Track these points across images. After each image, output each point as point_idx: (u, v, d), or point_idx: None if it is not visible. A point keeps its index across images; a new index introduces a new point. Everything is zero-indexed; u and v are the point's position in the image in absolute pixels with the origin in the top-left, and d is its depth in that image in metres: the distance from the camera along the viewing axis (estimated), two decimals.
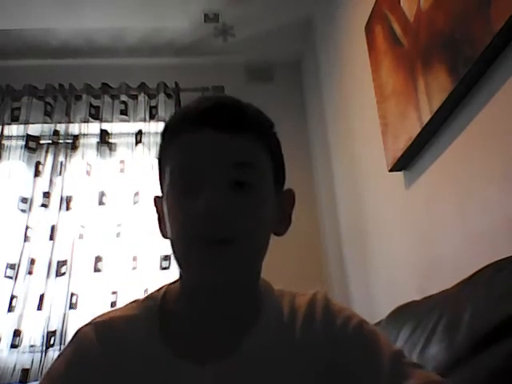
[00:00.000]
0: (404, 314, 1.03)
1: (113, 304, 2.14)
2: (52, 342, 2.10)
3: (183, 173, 0.59)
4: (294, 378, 0.59)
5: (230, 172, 0.58)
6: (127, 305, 0.66)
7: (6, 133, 2.48)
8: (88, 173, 2.44)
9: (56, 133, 2.49)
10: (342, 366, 0.59)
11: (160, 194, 0.65)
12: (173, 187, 0.60)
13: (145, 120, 2.53)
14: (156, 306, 0.64)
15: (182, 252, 0.59)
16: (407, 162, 1.46)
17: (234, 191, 0.58)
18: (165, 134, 0.64)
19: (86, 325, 0.63)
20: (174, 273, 2.14)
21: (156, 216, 0.66)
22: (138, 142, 2.50)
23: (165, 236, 0.64)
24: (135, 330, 0.61)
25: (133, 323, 0.62)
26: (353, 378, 0.58)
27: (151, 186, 2.32)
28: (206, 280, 0.58)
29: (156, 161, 0.66)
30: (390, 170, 1.52)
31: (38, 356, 2.08)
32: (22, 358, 2.08)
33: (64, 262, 2.24)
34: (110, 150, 2.51)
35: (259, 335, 0.60)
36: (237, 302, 0.62)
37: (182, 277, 0.64)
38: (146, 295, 0.67)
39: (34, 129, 2.48)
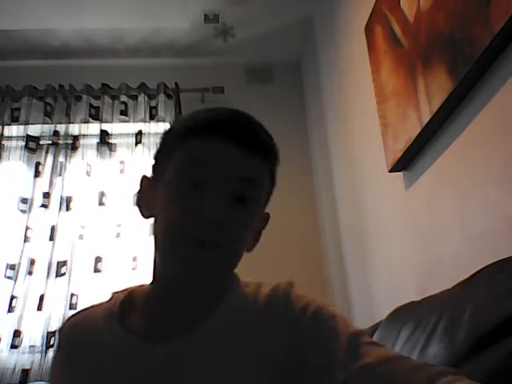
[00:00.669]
0: (404, 314, 1.03)
1: None
2: (52, 342, 2.10)
3: (195, 172, 0.61)
4: (249, 363, 0.60)
5: (234, 185, 0.61)
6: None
7: (5, 133, 2.48)
8: (88, 173, 2.44)
9: (56, 133, 2.49)
10: (300, 352, 0.59)
11: (151, 176, 0.67)
12: (175, 184, 0.62)
13: (145, 120, 2.54)
14: (121, 296, 0.68)
15: (171, 246, 0.61)
16: (407, 162, 1.46)
17: (234, 203, 0.61)
18: (177, 131, 0.66)
19: (62, 324, 0.71)
20: None
21: (137, 194, 0.68)
22: (137, 142, 2.50)
23: (144, 216, 0.66)
24: (98, 316, 0.67)
25: (99, 311, 0.68)
26: (311, 364, 0.59)
27: None
28: (188, 278, 0.61)
29: (160, 140, 0.68)
30: (390, 171, 1.52)
31: (37, 356, 2.08)
32: (21, 359, 2.08)
33: (64, 263, 2.25)
34: (110, 150, 2.51)
35: (217, 319, 0.62)
36: (203, 292, 0.65)
37: (155, 267, 0.66)
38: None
39: (33, 129, 2.49)
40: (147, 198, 0.66)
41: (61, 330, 0.71)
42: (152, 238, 0.65)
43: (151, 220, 0.66)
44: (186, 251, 0.59)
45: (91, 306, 0.71)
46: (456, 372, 0.54)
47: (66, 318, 0.72)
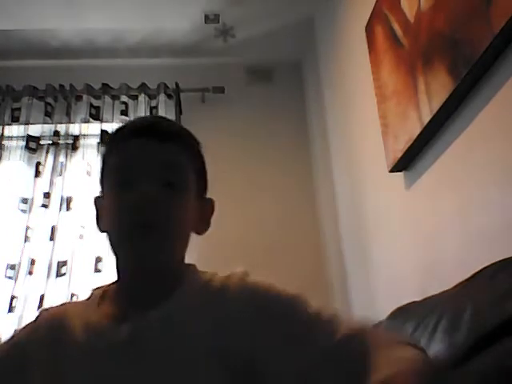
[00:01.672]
0: (404, 314, 1.03)
1: None
2: None
3: (122, 170, 0.71)
4: (202, 340, 0.65)
5: (160, 172, 0.69)
6: None
7: (6, 133, 2.47)
8: (88, 173, 2.43)
9: (56, 133, 2.48)
10: (263, 334, 0.64)
11: (99, 194, 0.77)
12: (112, 182, 0.72)
13: None
14: (100, 290, 0.76)
15: (117, 239, 0.71)
16: (407, 162, 1.46)
17: (163, 188, 0.68)
18: (107, 145, 0.77)
19: (46, 309, 0.78)
20: None
21: (95, 214, 0.77)
22: None
23: (101, 230, 0.76)
24: (81, 307, 0.75)
25: (81, 304, 0.77)
26: (275, 343, 0.64)
27: None
28: (135, 262, 0.70)
29: (99, 166, 0.78)
30: (391, 171, 1.52)
31: None
32: None
33: (64, 263, 2.24)
34: None
35: (174, 301, 0.68)
36: (157, 279, 0.71)
37: (117, 265, 0.74)
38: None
39: (34, 129, 2.48)
40: (101, 214, 0.76)
41: (42, 312, 0.77)
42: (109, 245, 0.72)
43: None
44: (126, 239, 0.68)
45: (74, 301, 0.80)
46: (416, 347, 0.61)
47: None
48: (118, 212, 0.69)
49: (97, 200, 0.77)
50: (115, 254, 0.72)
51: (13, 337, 0.76)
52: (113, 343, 0.66)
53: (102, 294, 0.75)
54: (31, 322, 0.76)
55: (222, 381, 0.63)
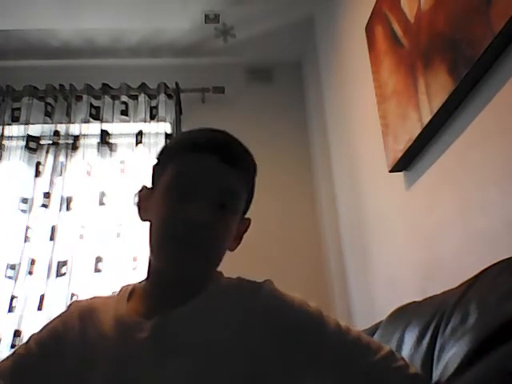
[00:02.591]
0: (405, 314, 1.03)
1: None
2: None
3: (184, 182, 0.73)
4: (225, 342, 0.68)
5: (219, 195, 0.72)
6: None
7: (6, 133, 2.48)
8: (88, 173, 2.44)
9: (56, 133, 2.49)
10: (283, 341, 0.68)
11: (149, 185, 0.79)
12: (169, 189, 0.73)
13: (145, 120, 2.53)
14: (130, 287, 0.80)
15: (161, 244, 0.72)
16: (407, 162, 1.46)
17: (215, 209, 0.71)
18: (170, 147, 0.80)
19: (77, 301, 0.82)
20: None
21: (137, 201, 0.81)
22: (138, 142, 2.50)
23: (142, 219, 0.78)
24: (110, 301, 0.78)
25: (110, 298, 0.80)
26: (294, 354, 0.68)
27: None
28: (175, 272, 0.73)
29: (157, 155, 0.80)
30: (391, 171, 1.52)
31: None
32: None
33: (64, 263, 2.25)
34: (111, 150, 2.51)
35: (199, 301, 0.72)
36: (189, 284, 0.75)
37: (150, 263, 0.77)
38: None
39: (34, 129, 2.49)
40: (145, 203, 0.79)
41: (72, 304, 0.81)
42: (147, 239, 0.75)
43: (148, 223, 0.77)
44: (172, 249, 0.71)
45: (102, 296, 0.84)
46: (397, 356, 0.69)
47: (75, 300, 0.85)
48: (172, 219, 0.71)
49: (144, 189, 0.80)
50: (152, 250, 0.75)
51: (49, 323, 0.78)
52: (139, 338, 0.69)
53: (131, 291, 0.78)
54: (63, 312, 0.79)
55: (244, 378, 0.66)
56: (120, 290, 0.80)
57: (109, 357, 0.69)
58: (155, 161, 0.80)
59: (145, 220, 0.77)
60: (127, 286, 0.81)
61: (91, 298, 0.82)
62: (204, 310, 0.71)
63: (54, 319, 0.79)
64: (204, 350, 0.67)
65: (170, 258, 0.72)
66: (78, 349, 0.72)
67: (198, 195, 0.71)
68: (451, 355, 0.72)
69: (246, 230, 0.81)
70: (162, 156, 0.80)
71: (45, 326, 0.78)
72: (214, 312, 0.71)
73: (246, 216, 0.81)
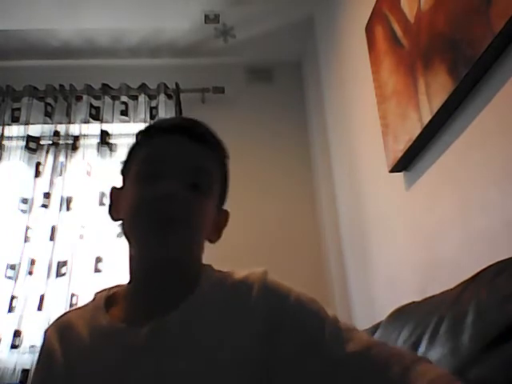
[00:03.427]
0: (404, 315, 1.03)
1: None
2: None
3: (151, 162, 0.70)
4: (225, 343, 0.64)
5: (190, 173, 0.69)
6: None
7: (6, 133, 2.48)
8: (88, 173, 2.44)
9: (56, 133, 2.49)
10: (281, 336, 0.64)
11: (119, 186, 0.76)
12: (138, 174, 0.71)
13: (145, 121, 2.53)
14: (104, 293, 0.75)
15: (134, 228, 0.69)
16: (407, 162, 1.46)
17: (188, 189, 0.68)
18: (138, 137, 0.76)
19: (49, 326, 0.75)
20: None
21: (109, 202, 0.77)
22: None
23: (114, 219, 0.75)
24: (84, 312, 0.73)
25: (84, 309, 0.75)
26: (293, 346, 0.64)
27: None
28: (151, 253, 0.68)
29: (125, 157, 0.77)
30: (391, 171, 1.52)
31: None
32: (22, 359, 2.08)
33: (64, 263, 2.25)
34: (111, 150, 2.51)
35: (192, 302, 0.68)
36: (175, 278, 0.70)
37: (130, 255, 0.73)
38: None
39: (34, 129, 2.49)
40: (116, 204, 0.75)
41: (47, 330, 0.75)
42: (123, 237, 0.72)
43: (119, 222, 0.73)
44: (144, 230, 0.67)
45: (74, 309, 0.79)
46: (429, 360, 0.62)
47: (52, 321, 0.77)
48: (141, 202, 0.68)
49: (114, 190, 0.77)
50: (130, 243, 0.71)
51: (37, 363, 0.74)
52: (132, 347, 0.65)
53: (107, 297, 0.74)
54: (42, 344, 0.74)
55: (247, 380, 0.63)
56: (94, 298, 0.76)
57: (99, 371, 0.65)
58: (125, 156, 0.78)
59: (116, 220, 0.74)
60: (101, 292, 0.76)
61: (63, 315, 0.77)
62: (198, 313, 0.67)
63: (39, 356, 0.74)
64: (203, 354, 0.64)
65: (145, 241, 0.68)
66: (63, 369, 0.68)
67: (167, 175, 0.68)
68: (442, 355, 0.72)
69: (225, 223, 0.78)
70: (130, 151, 0.77)
71: (36, 369, 0.74)
72: (208, 314, 0.67)
73: (225, 210, 0.78)
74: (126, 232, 0.71)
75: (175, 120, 0.78)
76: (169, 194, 0.66)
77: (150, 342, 0.65)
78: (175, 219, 0.66)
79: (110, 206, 0.76)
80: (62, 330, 0.72)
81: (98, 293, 0.77)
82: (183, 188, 0.68)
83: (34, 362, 2.14)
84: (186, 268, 0.71)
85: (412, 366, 0.59)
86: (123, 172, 0.76)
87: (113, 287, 0.77)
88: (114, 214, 0.75)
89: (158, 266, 0.69)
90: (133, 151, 0.76)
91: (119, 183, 0.77)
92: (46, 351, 0.72)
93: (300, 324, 0.65)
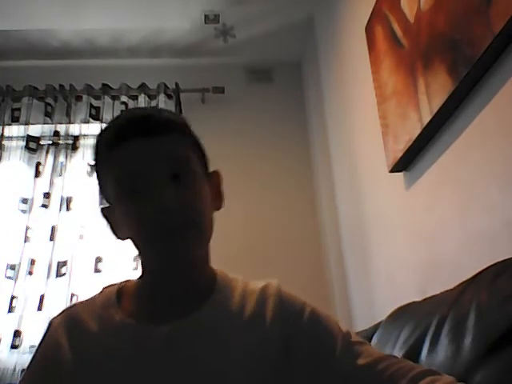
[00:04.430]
0: (404, 315, 1.03)
1: None
2: None
3: (128, 177, 0.67)
4: (240, 351, 0.65)
5: (166, 167, 0.67)
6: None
7: (6, 133, 2.48)
8: (88, 173, 2.44)
9: (56, 133, 2.49)
10: (295, 349, 0.66)
11: (105, 205, 0.74)
12: (122, 192, 0.68)
13: None
14: (114, 288, 0.74)
15: (147, 246, 0.68)
16: (407, 162, 1.46)
17: (173, 185, 0.66)
18: (98, 150, 0.72)
19: (55, 317, 0.73)
20: None
21: (108, 225, 0.75)
22: None
23: (121, 239, 0.73)
24: (93, 306, 0.72)
25: (91, 302, 0.73)
26: (306, 359, 0.66)
27: None
28: (172, 261, 0.67)
29: (94, 175, 0.75)
30: (391, 171, 1.52)
31: None
32: (22, 359, 2.08)
33: (64, 263, 2.25)
34: None
35: (209, 309, 0.68)
36: (190, 280, 0.70)
37: (144, 266, 0.72)
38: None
39: (34, 129, 2.48)
40: (115, 224, 0.73)
41: (52, 321, 0.72)
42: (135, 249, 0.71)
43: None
44: (162, 239, 0.65)
45: (82, 301, 0.76)
46: (437, 372, 0.62)
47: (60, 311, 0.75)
48: (142, 218, 0.66)
49: (105, 211, 0.75)
50: (144, 256, 0.71)
51: (36, 354, 0.71)
52: (149, 346, 0.65)
53: (117, 292, 0.73)
54: (44, 336, 0.72)
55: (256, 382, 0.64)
56: (101, 292, 0.75)
57: (114, 368, 0.65)
58: (94, 171, 0.75)
59: (124, 239, 0.72)
60: (111, 286, 0.75)
61: (70, 307, 0.75)
62: (216, 316, 0.68)
63: (39, 347, 0.71)
64: (219, 359, 0.65)
65: (157, 252, 0.67)
66: (72, 364, 0.66)
67: (147, 183, 0.66)
68: (445, 357, 0.72)
69: (220, 182, 0.76)
70: (96, 167, 0.74)
71: (33, 359, 0.71)
72: (225, 318, 0.68)
73: (213, 171, 0.76)
74: (137, 246, 0.70)
75: (126, 119, 0.72)
76: (164, 203, 0.65)
77: (167, 342, 0.65)
78: (180, 225, 0.66)
79: (111, 227, 0.75)
80: (69, 324, 0.70)
81: (106, 287, 0.75)
82: (166, 185, 0.66)
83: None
84: (200, 266, 0.71)
85: (420, 378, 0.61)
86: (102, 191, 0.74)
87: (122, 282, 0.76)
88: (118, 234, 0.73)
89: (175, 269, 0.69)
90: (98, 168, 0.73)
91: (103, 203, 0.75)
92: (50, 344, 0.70)
93: (313, 338, 0.67)
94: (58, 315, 0.73)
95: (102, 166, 0.72)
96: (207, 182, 0.72)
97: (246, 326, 0.67)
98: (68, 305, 2.15)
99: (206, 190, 0.71)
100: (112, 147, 0.69)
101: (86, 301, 0.75)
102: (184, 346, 0.65)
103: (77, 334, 0.68)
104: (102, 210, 0.75)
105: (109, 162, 0.70)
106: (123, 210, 0.69)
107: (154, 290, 0.71)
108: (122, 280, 0.76)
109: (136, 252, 0.72)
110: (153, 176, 0.66)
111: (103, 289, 0.75)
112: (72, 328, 0.69)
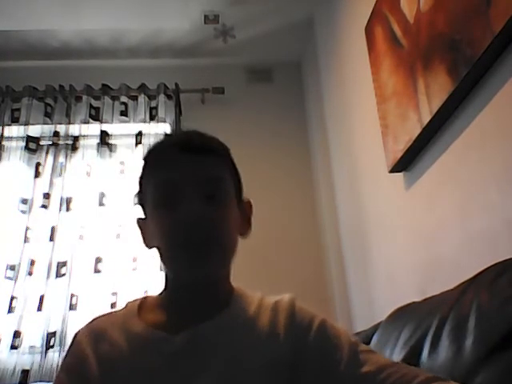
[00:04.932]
0: (404, 315, 1.03)
1: (113, 305, 2.13)
2: (52, 343, 2.10)
3: (164, 188, 0.72)
4: (253, 362, 0.67)
5: (202, 187, 0.71)
6: None
7: (6, 134, 2.48)
8: (88, 174, 2.44)
9: (56, 134, 2.49)
10: (305, 359, 0.68)
11: (142, 216, 0.78)
12: (156, 201, 0.73)
13: (145, 121, 2.53)
14: (136, 302, 0.77)
15: (171, 256, 0.72)
16: (407, 162, 1.46)
17: (206, 203, 0.70)
18: (146, 164, 0.77)
19: (80, 330, 0.76)
20: None
21: (140, 234, 0.79)
22: (138, 143, 2.50)
23: (149, 247, 0.77)
24: (116, 318, 0.75)
25: (114, 315, 0.77)
26: (312, 373, 0.68)
27: None
28: (193, 275, 0.70)
29: (137, 187, 0.79)
30: (391, 171, 1.52)
31: (37, 357, 2.08)
32: (21, 359, 2.08)
33: (64, 263, 2.24)
34: (110, 151, 2.51)
35: (226, 315, 0.72)
36: (212, 294, 0.74)
37: (167, 279, 0.76)
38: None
39: (34, 130, 2.48)
40: (146, 234, 0.77)
41: (77, 333, 0.75)
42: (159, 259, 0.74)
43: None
44: (187, 254, 0.69)
45: (104, 314, 0.79)
46: (442, 379, 0.63)
47: (85, 325, 0.77)
48: (170, 230, 0.70)
49: (140, 221, 0.79)
50: (169, 269, 0.74)
51: (63, 365, 0.73)
52: (169, 354, 0.68)
53: (139, 306, 0.76)
54: (71, 346, 0.74)
55: None
56: (125, 306, 0.78)
57: (140, 378, 0.67)
58: (138, 186, 0.80)
59: (151, 247, 0.76)
60: (134, 301, 0.78)
61: (93, 320, 0.77)
62: (231, 325, 0.71)
63: (65, 360, 0.74)
64: (234, 365, 0.67)
65: (186, 265, 0.70)
66: (99, 376, 0.68)
67: (181, 196, 0.70)
68: (446, 358, 0.72)
69: (251, 211, 0.80)
70: (139, 184, 0.79)
71: (60, 373, 0.72)
72: (240, 328, 0.71)
73: (246, 199, 0.81)
74: (163, 257, 0.73)
75: (172, 139, 0.79)
76: (193, 220, 0.68)
77: (185, 348, 0.68)
78: (204, 241, 0.69)
79: (143, 235, 0.79)
80: (94, 336, 0.72)
81: (129, 302, 0.79)
82: (200, 203, 0.69)
83: (34, 363, 2.13)
84: (221, 283, 0.75)
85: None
86: (140, 202, 0.78)
87: (144, 297, 0.79)
88: (147, 242, 0.77)
89: (196, 284, 0.72)
90: (142, 181, 0.77)
91: (141, 214, 0.79)
92: (76, 356, 0.72)
93: (319, 353, 0.68)
94: (82, 328, 0.76)
95: (145, 176, 0.77)
96: (238, 207, 0.77)
97: (259, 338, 0.70)
98: (68, 305, 2.16)
99: (236, 213, 0.75)
100: (157, 161, 0.75)
101: (109, 313, 0.79)
102: (198, 351, 0.68)
103: (101, 345, 0.71)
104: (138, 220, 0.80)
105: (152, 173, 0.75)
106: (155, 219, 0.73)
107: (172, 302, 0.74)
108: (144, 295, 0.80)
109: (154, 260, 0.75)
110: (188, 191, 0.70)
111: (127, 303, 0.79)
112: (96, 339, 0.72)
